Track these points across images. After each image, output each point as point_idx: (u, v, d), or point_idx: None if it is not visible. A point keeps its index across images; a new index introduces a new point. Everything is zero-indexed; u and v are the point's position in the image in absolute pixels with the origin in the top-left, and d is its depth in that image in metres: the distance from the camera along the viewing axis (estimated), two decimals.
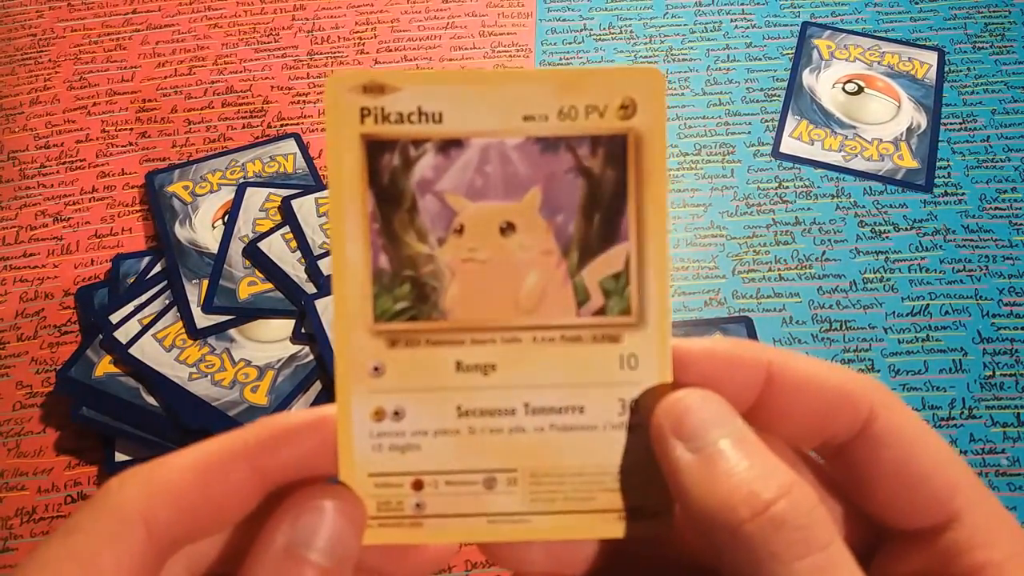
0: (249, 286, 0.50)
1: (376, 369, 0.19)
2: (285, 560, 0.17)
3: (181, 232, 0.52)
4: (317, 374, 0.47)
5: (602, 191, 0.19)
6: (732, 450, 0.17)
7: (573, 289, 0.19)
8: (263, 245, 0.51)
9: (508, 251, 0.19)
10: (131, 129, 0.60)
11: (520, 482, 0.19)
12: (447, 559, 0.20)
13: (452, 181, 0.19)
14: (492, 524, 0.19)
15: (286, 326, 0.48)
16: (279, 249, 0.51)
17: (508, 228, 0.19)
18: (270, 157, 0.56)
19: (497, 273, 0.19)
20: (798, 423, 0.19)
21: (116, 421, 0.45)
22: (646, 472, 0.19)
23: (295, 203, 0.52)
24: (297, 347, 0.47)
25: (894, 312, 0.51)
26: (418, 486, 0.19)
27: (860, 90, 0.60)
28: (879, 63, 0.62)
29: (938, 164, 0.57)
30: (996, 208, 0.55)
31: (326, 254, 0.50)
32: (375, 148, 0.19)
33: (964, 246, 0.53)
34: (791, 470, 0.17)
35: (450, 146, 0.19)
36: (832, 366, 0.19)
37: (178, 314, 0.48)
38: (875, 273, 0.52)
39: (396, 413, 0.19)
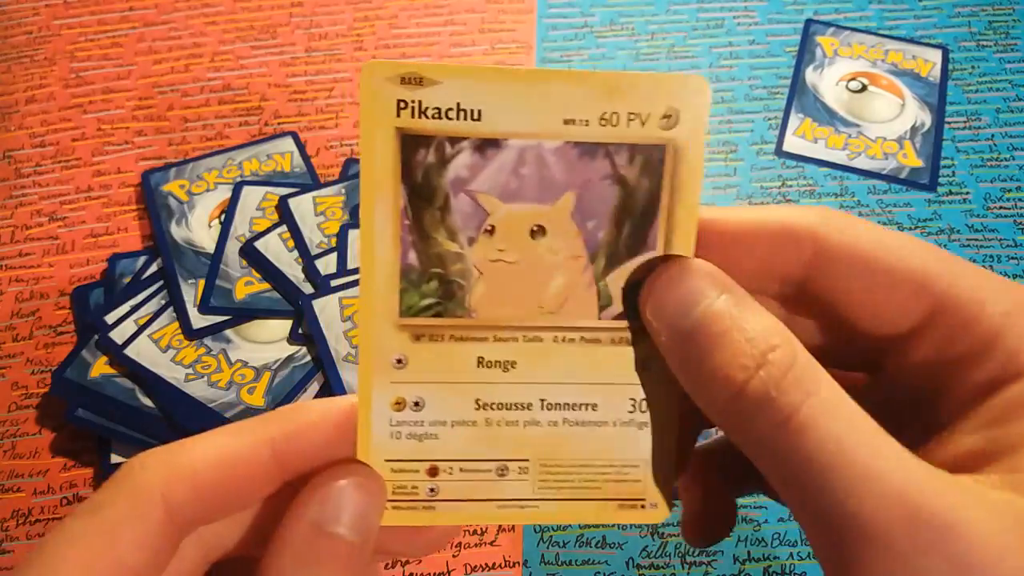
0: (246, 286, 0.49)
1: (399, 361, 0.19)
2: (314, 536, 0.18)
3: (177, 231, 0.52)
4: (315, 375, 0.46)
5: (635, 200, 0.19)
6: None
7: (597, 294, 0.19)
8: (260, 244, 0.50)
9: (537, 254, 0.19)
10: (127, 127, 0.59)
11: (531, 471, 0.20)
12: (450, 538, 0.21)
13: (487, 182, 0.19)
14: (501, 509, 0.20)
15: (283, 326, 0.48)
16: (276, 248, 0.50)
17: (538, 231, 0.19)
18: (267, 155, 0.56)
19: (524, 275, 0.19)
20: (746, 269, 0.19)
21: (112, 422, 0.44)
22: (649, 466, 0.20)
23: (292, 202, 0.52)
24: (294, 348, 0.47)
25: None
26: (433, 472, 0.20)
27: (864, 88, 0.60)
28: (883, 61, 0.61)
29: (942, 163, 0.56)
30: (1001, 207, 0.54)
31: (323, 253, 0.49)
32: (410, 143, 0.18)
33: (968, 246, 0.53)
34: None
35: (487, 146, 0.18)
36: (769, 208, 0.19)
37: (174, 314, 0.48)
38: None
39: (416, 403, 0.20)
